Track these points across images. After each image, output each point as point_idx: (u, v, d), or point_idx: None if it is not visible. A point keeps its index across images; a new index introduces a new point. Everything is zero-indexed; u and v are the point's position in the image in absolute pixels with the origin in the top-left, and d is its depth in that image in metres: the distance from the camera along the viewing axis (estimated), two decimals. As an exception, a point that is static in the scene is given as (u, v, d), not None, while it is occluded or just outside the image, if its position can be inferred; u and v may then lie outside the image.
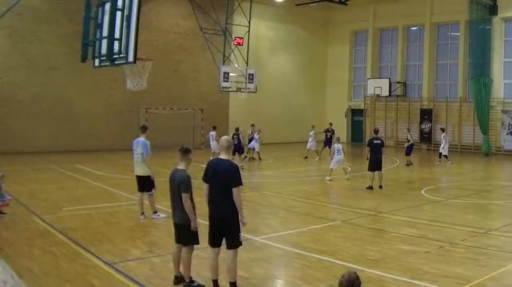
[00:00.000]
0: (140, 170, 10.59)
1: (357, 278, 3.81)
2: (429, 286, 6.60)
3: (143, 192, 10.63)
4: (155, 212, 10.68)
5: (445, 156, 21.86)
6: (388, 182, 16.46)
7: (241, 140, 20.13)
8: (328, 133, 22.51)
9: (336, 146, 16.78)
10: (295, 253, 8.32)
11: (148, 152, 10.49)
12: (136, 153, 10.61)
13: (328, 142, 21.92)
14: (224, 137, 6.61)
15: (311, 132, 22.96)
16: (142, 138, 10.62)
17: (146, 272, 7.19)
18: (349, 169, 17.64)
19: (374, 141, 15.05)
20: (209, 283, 6.52)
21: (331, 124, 23.22)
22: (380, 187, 14.80)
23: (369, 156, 14.95)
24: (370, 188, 14.64)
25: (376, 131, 15.90)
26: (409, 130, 22.39)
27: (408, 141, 21.28)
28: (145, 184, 10.57)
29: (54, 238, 8.94)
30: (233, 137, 19.12)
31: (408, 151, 21.12)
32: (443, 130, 23.05)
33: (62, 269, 7.23)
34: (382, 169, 15.19)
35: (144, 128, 10.91)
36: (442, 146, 22.09)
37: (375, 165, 14.85)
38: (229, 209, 6.30)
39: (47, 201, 12.45)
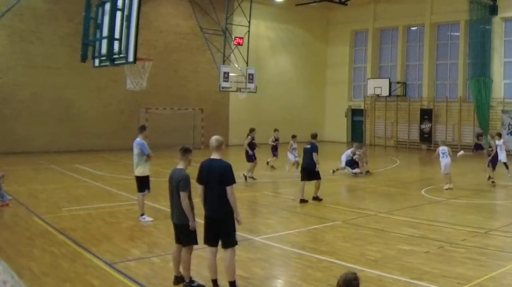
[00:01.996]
0: (136, 170, 10.63)
1: (355, 278, 3.76)
2: (429, 286, 6.61)
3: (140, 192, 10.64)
4: (142, 214, 10.58)
5: (505, 164, 17.09)
6: (388, 182, 16.49)
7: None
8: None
9: (441, 148, 14.91)
10: (295, 253, 8.32)
11: (147, 151, 10.48)
12: (133, 153, 10.67)
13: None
14: (214, 137, 6.59)
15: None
16: (138, 139, 10.61)
17: (146, 272, 7.19)
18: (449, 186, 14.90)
19: (305, 146, 12.93)
20: (209, 283, 6.52)
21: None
22: (315, 198, 12.75)
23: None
24: (303, 201, 12.57)
25: (313, 136, 13.23)
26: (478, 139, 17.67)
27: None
28: (140, 183, 10.56)
29: (54, 238, 8.94)
30: (251, 138, 17.59)
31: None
32: (500, 136, 17.43)
33: (62, 269, 7.23)
34: (321, 179, 12.93)
35: (142, 129, 10.88)
36: (501, 153, 16.75)
37: (304, 172, 12.82)
38: (224, 209, 6.31)
39: (47, 201, 12.45)
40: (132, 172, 11.05)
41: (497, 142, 16.69)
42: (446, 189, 14.57)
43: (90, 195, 13.53)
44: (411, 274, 7.05)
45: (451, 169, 14.92)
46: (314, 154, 12.62)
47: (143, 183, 10.55)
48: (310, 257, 7.99)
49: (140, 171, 10.54)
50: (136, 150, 10.52)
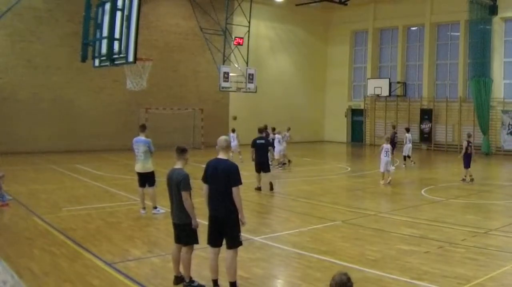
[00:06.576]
0: (142, 167, 10.92)
1: (349, 280, 3.58)
2: (429, 286, 6.61)
3: (145, 186, 10.94)
4: (155, 207, 11.00)
5: (408, 157, 20.92)
6: (388, 182, 16.42)
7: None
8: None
9: (385, 146, 15.90)
10: (295, 253, 8.32)
11: (152, 149, 10.93)
12: (138, 151, 10.94)
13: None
14: (223, 137, 6.60)
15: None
16: (143, 137, 10.98)
17: (146, 272, 7.19)
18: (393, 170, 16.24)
19: (257, 142, 14.38)
20: (209, 283, 6.52)
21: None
22: (271, 189, 14.16)
23: (254, 157, 14.40)
24: (258, 189, 14.18)
25: (260, 130, 15.05)
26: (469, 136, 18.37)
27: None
28: (148, 179, 10.95)
29: (54, 238, 8.94)
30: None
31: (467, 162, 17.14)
32: (407, 130, 21.88)
33: (62, 269, 7.22)
34: (271, 171, 14.67)
35: (144, 127, 11.27)
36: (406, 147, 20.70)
37: (259, 166, 14.27)
38: (228, 209, 6.29)
39: (47, 201, 12.44)
40: (132, 171, 11.10)
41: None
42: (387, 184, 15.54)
43: (90, 195, 13.53)
44: (411, 274, 7.05)
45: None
46: (270, 148, 14.70)
47: (152, 178, 10.97)
48: (310, 257, 7.99)
49: (148, 166, 10.95)
50: (143, 148, 10.86)
